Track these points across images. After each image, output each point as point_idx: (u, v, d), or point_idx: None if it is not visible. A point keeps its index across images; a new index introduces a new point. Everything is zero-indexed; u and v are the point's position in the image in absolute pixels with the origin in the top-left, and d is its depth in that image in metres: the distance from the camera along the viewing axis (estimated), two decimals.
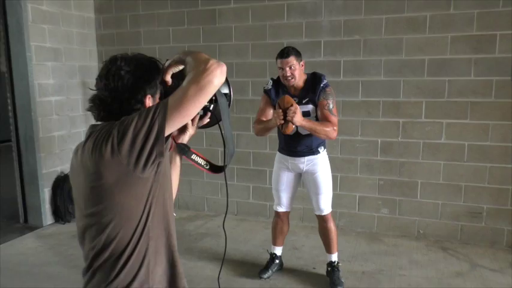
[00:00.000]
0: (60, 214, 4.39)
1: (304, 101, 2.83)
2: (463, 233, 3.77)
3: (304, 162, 2.95)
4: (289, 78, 2.78)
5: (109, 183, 1.13)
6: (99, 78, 1.23)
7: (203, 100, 1.11)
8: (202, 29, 4.40)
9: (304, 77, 2.87)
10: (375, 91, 3.89)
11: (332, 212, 3.07)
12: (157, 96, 1.28)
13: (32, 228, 4.27)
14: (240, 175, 4.45)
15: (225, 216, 1.52)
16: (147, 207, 1.19)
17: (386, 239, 3.87)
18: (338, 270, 3.07)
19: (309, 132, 2.80)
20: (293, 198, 3.15)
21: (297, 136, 2.89)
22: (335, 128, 2.76)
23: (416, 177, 3.86)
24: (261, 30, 4.16)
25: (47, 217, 4.37)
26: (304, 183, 3.11)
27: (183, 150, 1.40)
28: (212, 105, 1.32)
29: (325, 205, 3.00)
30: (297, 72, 2.78)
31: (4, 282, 3.19)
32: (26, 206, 4.39)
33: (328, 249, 3.10)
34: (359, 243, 3.81)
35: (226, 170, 1.39)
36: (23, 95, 4.15)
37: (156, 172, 1.16)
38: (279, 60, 2.79)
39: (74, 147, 1.31)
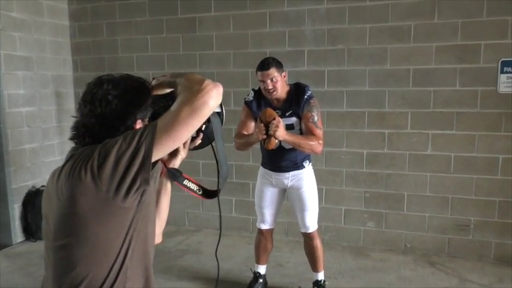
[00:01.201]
0: (31, 231, 4.15)
1: (287, 114, 2.68)
2: (451, 246, 3.69)
3: (289, 178, 2.80)
4: (271, 91, 2.63)
5: (84, 210, 0.99)
6: (83, 103, 1.10)
7: (196, 123, 0.99)
8: (182, 37, 4.26)
9: (286, 88, 2.72)
10: (359, 101, 3.80)
11: (318, 226, 2.94)
12: (147, 120, 1.16)
13: (0, 247, 4.02)
14: (222, 188, 4.29)
15: (217, 245, 1.39)
16: (127, 242, 1.04)
17: (373, 254, 3.76)
18: None
19: (292, 147, 2.67)
20: (277, 214, 3.01)
21: (281, 150, 2.73)
22: (320, 141, 2.62)
23: (402, 189, 3.77)
24: (243, 39, 4.04)
25: (17, 235, 4.12)
26: (288, 198, 2.97)
27: (175, 176, 1.28)
28: (204, 125, 1.20)
29: (311, 222, 2.87)
30: (278, 84, 2.62)
31: None
32: None
33: (314, 268, 2.97)
34: (345, 258, 3.69)
35: (219, 194, 1.28)
36: None
37: (139, 202, 1.03)
38: (259, 73, 2.63)
39: (46, 160, 1.15)
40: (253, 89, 2.85)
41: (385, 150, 3.78)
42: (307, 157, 2.83)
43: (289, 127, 2.65)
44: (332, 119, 3.86)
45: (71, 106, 4.58)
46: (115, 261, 1.03)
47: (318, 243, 2.91)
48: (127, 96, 1.10)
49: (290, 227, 4.06)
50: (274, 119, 2.48)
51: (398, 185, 3.78)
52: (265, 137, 2.50)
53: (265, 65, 2.62)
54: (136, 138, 0.97)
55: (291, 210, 3.95)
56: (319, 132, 2.64)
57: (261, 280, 3.09)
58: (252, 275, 3.12)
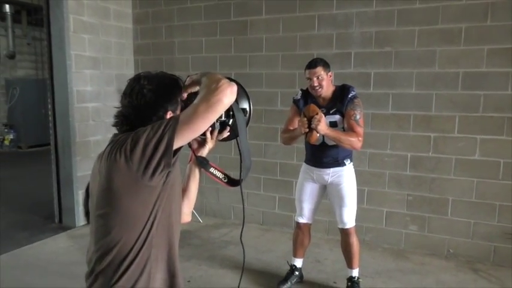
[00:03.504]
0: None
1: (331, 111, 2.84)
2: (497, 254, 3.58)
3: (329, 174, 2.93)
4: (317, 88, 2.81)
5: (118, 187, 1.19)
6: (124, 95, 1.30)
7: (212, 117, 1.15)
8: (233, 40, 4.47)
9: (332, 88, 2.89)
10: (405, 104, 3.79)
11: (358, 226, 3.01)
12: (178, 112, 1.33)
13: (65, 229, 4.46)
14: (266, 185, 4.46)
15: (242, 230, 1.51)
16: (153, 215, 1.23)
17: (413, 257, 3.74)
18: (358, 286, 3.01)
19: (335, 144, 2.80)
20: (315, 210, 3.12)
21: (323, 147, 2.89)
22: (360, 138, 2.74)
23: (447, 194, 3.71)
24: (291, 41, 4.18)
25: (80, 218, 4.55)
26: (328, 195, 3.08)
27: (202, 163, 1.45)
28: (231, 120, 1.36)
29: (349, 218, 2.96)
30: (324, 83, 2.80)
31: (34, 279, 3.35)
32: (61, 207, 4.60)
33: (350, 264, 3.04)
34: (384, 259, 3.71)
35: (243, 183, 1.42)
36: (63, 101, 4.38)
37: (164, 182, 1.21)
38: (307, 71, 2.84)
39: None
40: (301, 89, 3.03)
41: (430, 153, 3.73)
42: (348, 155, 2.94)
43: (332, 124, 2.79)
44: (377, 120, 3.88)
45: None
46: (142, 230, 1.22)
47: (354, 240, 2.98)
48: (159, 91, 1.28)
49: (331, 226, 4.12)
50: (316, 113, 2.64)
51: (443, 190, 3.72)
52: (307, 130, 2.67)
53: (313, 63, 2.82)
54: (162, 128, 1.14)
55: (331, 209, 4.04)
56: (359, 129, 2.76)
57: (297, 273, 3.21)
58: (288, 268, 3.25)
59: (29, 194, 5.92)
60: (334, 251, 3.81)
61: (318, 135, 2.69)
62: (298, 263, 3.22)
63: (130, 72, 5.04)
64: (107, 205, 1.22)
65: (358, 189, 3.02)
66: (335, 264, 3.56)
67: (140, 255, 1.23)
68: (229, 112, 1.33)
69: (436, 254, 3.77)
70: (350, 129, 2.78)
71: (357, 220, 3.01)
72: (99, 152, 1.30)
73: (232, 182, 1.48)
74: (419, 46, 3.70)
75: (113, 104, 4.83)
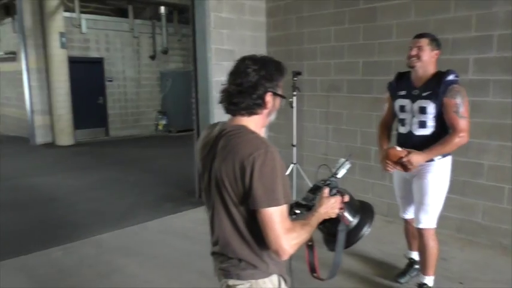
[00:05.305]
0: None
1: (424, 94, 2.57)
2: None
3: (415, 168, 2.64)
4: (413, 58, 2.58)
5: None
6: (230, 74, 1.48)
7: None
8: (362, 27, 4.43)
9: (433, 70, 2.61)
10: None
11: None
12: (278, 98, 1.48)
13: (203, 203, 5.01)
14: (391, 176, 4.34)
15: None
16: None
17: None
18: None
19: (423, 133, 2.58)
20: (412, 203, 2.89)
21: (409, 136, 2.65)
22: (462, 134, 2.46)
23: None
24: (424, 26, 3.95)
25: None
26: (412, 186, 2.80)
27: (328, 242, 1.63)
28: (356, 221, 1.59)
29: (425, 218, 2.68)
30: (424, 56, 2.55)
31: (176, 242, 3.93)
32: (200, 184, 5.17)
33: (422, 269, 2.79)
34: None
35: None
36: (204, 91, 4.91)
37: None
38: (411, 40, 2.65)
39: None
40: (398, 72, 2.85)
41: None
42: None
43: (421, 110, 2.57)
44: None
45: None
46: None
47: (429, 243, 2.70)
48: (262, 71, 1.42)
49: (464, 224, 3.86)
50: (401, 157, 2.51)
51: None
52: (392, 171, 2.65)
53: (420, 34, 2.63)
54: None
55: (464, 205, 3.78)
56: (462, 123, 2.48)
57: (415, 266, 3.10)
58: (407, 261, 3.17)
59: (175, 171, 6.80)
60: (465, 251, 3.60)
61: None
62: (415, 255, 3.09)
63: None
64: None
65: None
66: (463, 265, 3.35)
67: None
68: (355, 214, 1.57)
69: None
70: (450, 123, 2.50)
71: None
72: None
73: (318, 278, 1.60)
74: None
75: None
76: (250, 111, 1.44)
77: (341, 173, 1.59)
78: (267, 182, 1.31)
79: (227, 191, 1.38)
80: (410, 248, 3.12)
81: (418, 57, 2.57)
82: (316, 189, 1.55)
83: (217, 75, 4.89)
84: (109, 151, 9.36)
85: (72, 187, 6.04)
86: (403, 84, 2.74)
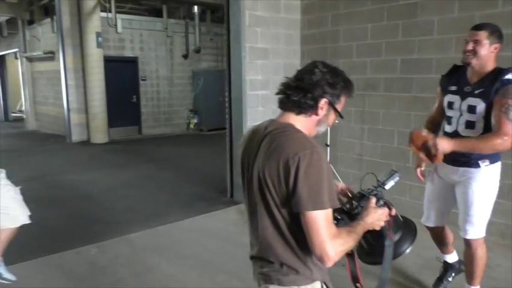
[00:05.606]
0: None
1: (476, 92, 2.32)
2: None
3: (458, 173, 2.46)
4: (468, 53, 2.29)
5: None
6: (297, 71, 1.44)
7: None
8: (401, 24, 4.27)
9: (491, 66, 2.33)
10: None
11: (483, 236, 2.52)
12: (333, 112, 1.42)
13: (235, 203, 5.00)
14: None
15: None
16: None
17: None
18: None
19: (470, 134, 2.34)
20: (445, 213, 2.72)
21: (455, 137, 2.38)
22: (505, 137, 2.16)
23: None
24: (468, 22, 3.74)
25: None
26: (455, 194, 2.58)
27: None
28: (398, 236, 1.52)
29: (471, 229, 2.48)
30: (481, 51, 2.26)
31: (208, 242, 3.91)
32: (232, 183, 5.16)
33: (468, 279, 2.63)
34: None
35: None
36: (237, 89, 4.88)
37: None
38: (468, 31, 2.34)
39: None
40: (454, 64, 2.57)
41: None
42: (486, 155, 2.36)
43: (470, 109, 2.35)
44: None
45: None
46: None
47: (477, 252, 2.52)
48: (327, 75, 1.37)
49: (508, 230, 3.66)
50: (425, 140, 2.23)
51: None
52: (424, 162, 2.46)
53: (479, 25, 2.33)
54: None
55: (508, 211, 3.58)
56: (508, 125, 2.18)
57: (451, 269, 2.93)
58: (441, 265, 3.01)
59: (207, 170, 6.81)
60: (510, 258, 3.39)
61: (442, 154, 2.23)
62: (450, 258, 2.91)
63: (296, 62, 5.29)
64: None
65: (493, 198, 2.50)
66: (508, 272, 3.17)
67: None
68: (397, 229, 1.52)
69: None
70: (495, 123, 2.21)
71: (484, 231, 2.53)
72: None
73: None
74: None
75: None
76: (300, 109, 1.38)
77: (389, 185, 1.52)
78: (313, 184, 1.24)
79: (270, 192, 1.32)
80: (442, 252, 2.95)
81: (475, 52, 2.28)
82: (360, 198, 1.48)
83: (251, 73, 4.84)
84: (142, 149, 9.51)
85: (107, 184, 6.15)
86: (455, 78, 2.48)
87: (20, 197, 3.01)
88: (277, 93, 1.44)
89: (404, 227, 1.55)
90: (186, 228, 4.31)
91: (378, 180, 1.52)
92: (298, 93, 1.37)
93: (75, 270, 3.42)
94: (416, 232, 1.58)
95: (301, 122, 1.40)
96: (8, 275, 3.08)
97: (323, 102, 1.38)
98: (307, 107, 1.38)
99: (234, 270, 3.26)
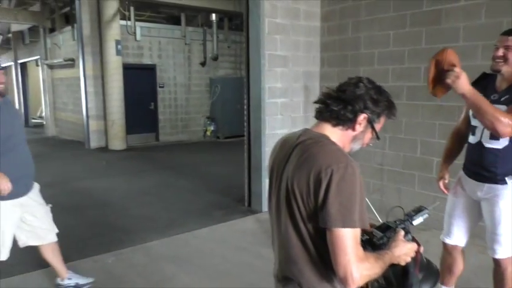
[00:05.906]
0: None
1: (502, 99, 2.20)
2: None
3: (483, 190, 2.34)
4: (498, 60, 2.18)
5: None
6: (343, 82, 1.38)
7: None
8: (425, 31, 4.17)
9: None
10: None
11: None
12: (370, 131, 1.35)
13: (253, 212, 4.93)
14: None
15: None
16: None
17: None
18: None
19: (495, 146, 2.22)
20: (469, 230, 2.54)
21: (478, 148, 2.30)
22: (511, 122, 2.03)
23: None
24: (495, 29, 3.64)
25: (266, 204, 4.94)
26: (482, 211, 2.44)
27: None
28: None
29: (500, 249, 2.35)
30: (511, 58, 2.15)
31: (225, 252, 3.83)
32: (250, 192, 5.10)
33: None
34: None
35: None
36: (256, 97, 4.83)
37: None
38: (499, 37, 2.23)
39: None
40: (484, 72, 2.44)
41: None
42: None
43: None
44: None
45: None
46: None
47: (506, 272, 2.36)
48: (371, 92, 1.32)
49: None
50: (454, 66, 2.05)
51: None
52: (432, 84, 2.15)
53: (508, 30, 2.23)
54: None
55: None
56: None
57: None
58: None
59: (224, 178, 6.75)
60: None
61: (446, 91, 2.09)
62: None
63: (316, 69, 5.22)
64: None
65: None
66: None
67: None
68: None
69: None
70: (509, 110, 2.10)
71: None
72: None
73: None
74: None
75: (299, 99, 5.12)
76: (337, 121, 1.32)
77: (417, 221, 1.46)
78: (344, 199, 1.17)
79: (297, 204, 1.26)
80: (442, 281, 2.68)
81: (505, 59, 2.17)
82: (386, 229, 1.40)
83: (270, 81, 4.79)
84: (159, 156, 9.54)
85: (124, 191, 6.15)
86: (483, 86, 2.31)
87: (50, 215, 3.05)
88: (316, 102, 1.38)
89: (427, 268, 1.47)
90: (203, 237, 4.25)
91: (405, 214, 1.46)
92: (338, 104, 1.31)
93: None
94: (438, 276, 1.52)
95: (336, 135, 1.33)
96: (85, 280, 3.19)
97: (362, 117, 1.31)
98: (345, 120, 1.31)
99: (252, 282, 3.19)
